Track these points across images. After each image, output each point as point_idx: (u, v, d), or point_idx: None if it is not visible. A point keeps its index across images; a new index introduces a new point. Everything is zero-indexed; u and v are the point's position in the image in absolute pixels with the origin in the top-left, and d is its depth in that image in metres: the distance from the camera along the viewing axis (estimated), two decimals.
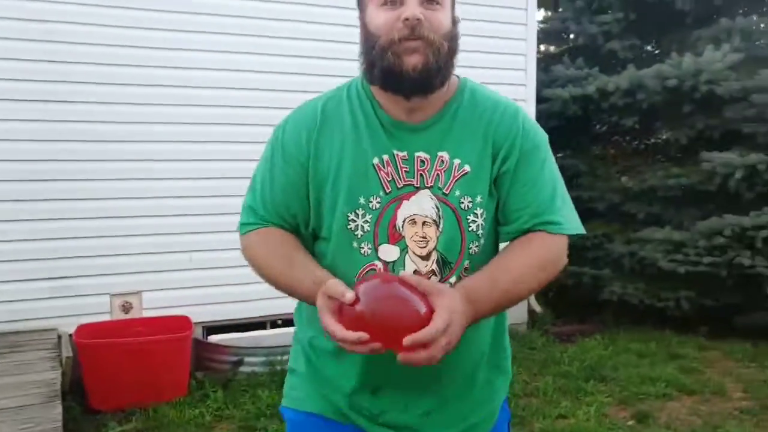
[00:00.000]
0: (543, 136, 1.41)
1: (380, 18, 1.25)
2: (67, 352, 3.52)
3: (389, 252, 1.31)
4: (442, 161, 1.32)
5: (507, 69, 5.53)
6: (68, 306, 4.26)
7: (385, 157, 1.31)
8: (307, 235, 1.39)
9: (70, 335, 4.01)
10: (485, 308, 1.24)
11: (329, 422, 1.45)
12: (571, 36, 6.63)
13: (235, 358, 4.48)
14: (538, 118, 5.86)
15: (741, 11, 6.22)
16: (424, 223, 1.30)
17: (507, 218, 1.36)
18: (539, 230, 1.33)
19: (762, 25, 5.98)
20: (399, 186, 1.31)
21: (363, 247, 1.31)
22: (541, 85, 5.92)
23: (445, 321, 1.12)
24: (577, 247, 6.20)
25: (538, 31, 5.84)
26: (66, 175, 4.25)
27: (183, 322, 4.34)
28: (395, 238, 1.31)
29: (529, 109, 5.67)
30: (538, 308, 5.88)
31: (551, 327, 5.84)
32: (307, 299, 1.29)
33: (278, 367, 4.47)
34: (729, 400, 4.22)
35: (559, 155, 6.64)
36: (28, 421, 2.64)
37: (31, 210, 4.18)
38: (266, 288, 4.51)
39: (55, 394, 2.96)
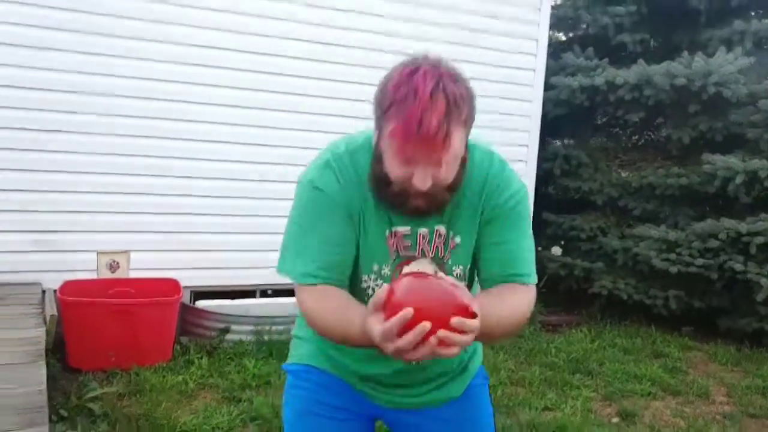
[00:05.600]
0: (521, 197, 1.49)
1: (394, 169, 1.31)
2: (51, 310, 3.42)
3: None
4: (440, 234, 1.45)
5: (517, 53, 5.44)
6: (53, 261, 4.16)
7: (394, 230, 1.44)
8: None
9: (55, 291, 3.90)
10: (485, 324, 1.27)
11: (327, 373, 1.61)
12: (582, 25, 6.52)
13: (222, 325, 4.41)
14: (545, 105, 5.79)
15: (754, 14, 6.15)
16: None
17: (482, 270, 1.49)
18: (515, 282, 1.44)
19: None
20: (401, 254, 1.46)
21: None
22: (549, 72, 5.83)
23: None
24: (571, 238, 6.19)
25: (549, 16, 5.73)
26: (62, 126, 4.14)
27: (172, 285, 4.25)
28: None
29: (536, 94, 5.60)
30: None
31: (538, 316, 5.83)
32: (360, 339, 1.27)
33: (266, 337, 4.41)
34: (712, 403, 4.24)
35: (562, 144, 6.59)
36: (11, 381, 2.55)
37: (20, 160, 4.06)
38: (257, 256, 4.55)
39: (39, 353, 2.88)
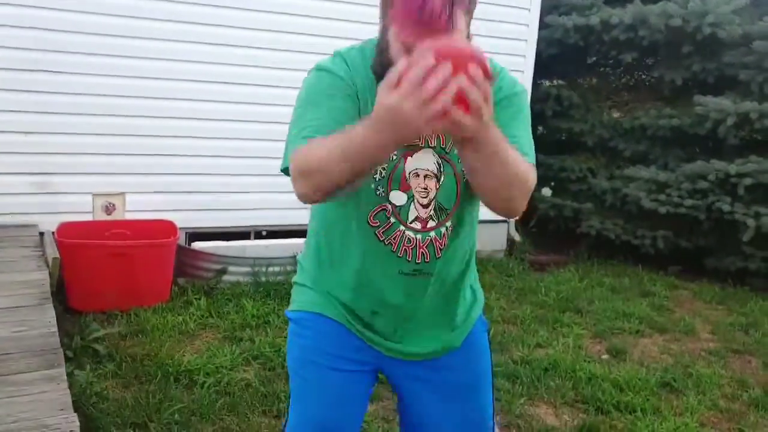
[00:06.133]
0: (521, 89, 1.50)
1: (398, 57, 1.22)
2: (53, 252, 3.42)
3: (399, 197, 1.47)
4: None
5: None
6: (48, 203, 4.14)
7: None
8: None
9: (52, 233, 3.90)
10: (496, 133, 1.20)
11: (330, 320, 1.60)
12: None
13: (218, 267, 4.44)
14: (537, 44, 5.73)
15: None
16: (425, 176, 1.46)
17: None
18: None
19: None
20: (404, 147, 1.41)
21: (378, 189, 1.46)
22: (543, 11, 5.76)
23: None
24: (561, 179, 6.24)
25: None
26: (58, 67, 4.06)
27: (167, 227, 4.26)
28: (406, 187, 1.46)
29: (531, 33, 5.54)
30: (517, 237, 5.94)
31: (527, 255, 5.93)
32: (364, 144, 1.16)
33: (263, 278, 4.46)
34: (698, 340, 4.38)
35: (554, 84, 6.56)
36: (21, 324, 2.58)
37: (16, 101, 3.99)
38: (252, 198, 4.55)
39: (45, 296, 2.91)
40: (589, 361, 3.84)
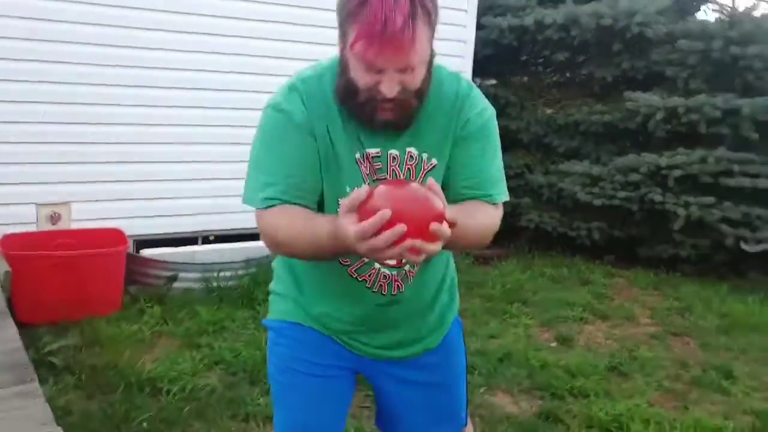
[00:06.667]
0: (490, 114, 1.49)
1: (360, 77, 1.28)
2: (3, 266, 3.32)
3: None
4: (411, 156, 1.43)
5: None
6: None
7: (365, 152, 1.41)
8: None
9: None
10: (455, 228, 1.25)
11: (307, 328, 1.62)
12: None
13: (169, 273, 4.39)
14: (474, 44, 5.88)
15: None
16: None
17: (453, 189, 1.46)
18: (483, 201, 1.46)
19: None
20: (374, 179, 1.41)
21: None
22: (479, 12, 5.90)
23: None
24: None
25: None
26: None
27: (116, 235, 4.19)
28: None
29: (469, 34, 5.67)
30: None
31: (472, 250, 6.07)
32: (328, 243, 1.25)
33: (214, 284, 4.43)
34: (639, 325, 4.60)
35: (490, 84, 6.73)
36: None
37: None
38: (200, 203, 4.51)
39: (3, 310, 2.82)
40: (539, 349, 3.98)
